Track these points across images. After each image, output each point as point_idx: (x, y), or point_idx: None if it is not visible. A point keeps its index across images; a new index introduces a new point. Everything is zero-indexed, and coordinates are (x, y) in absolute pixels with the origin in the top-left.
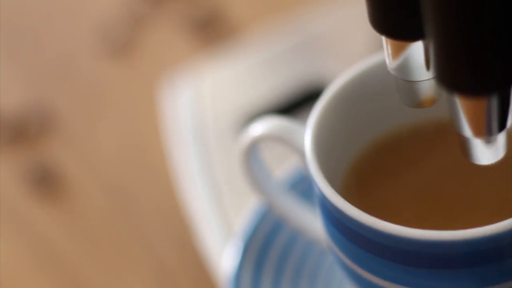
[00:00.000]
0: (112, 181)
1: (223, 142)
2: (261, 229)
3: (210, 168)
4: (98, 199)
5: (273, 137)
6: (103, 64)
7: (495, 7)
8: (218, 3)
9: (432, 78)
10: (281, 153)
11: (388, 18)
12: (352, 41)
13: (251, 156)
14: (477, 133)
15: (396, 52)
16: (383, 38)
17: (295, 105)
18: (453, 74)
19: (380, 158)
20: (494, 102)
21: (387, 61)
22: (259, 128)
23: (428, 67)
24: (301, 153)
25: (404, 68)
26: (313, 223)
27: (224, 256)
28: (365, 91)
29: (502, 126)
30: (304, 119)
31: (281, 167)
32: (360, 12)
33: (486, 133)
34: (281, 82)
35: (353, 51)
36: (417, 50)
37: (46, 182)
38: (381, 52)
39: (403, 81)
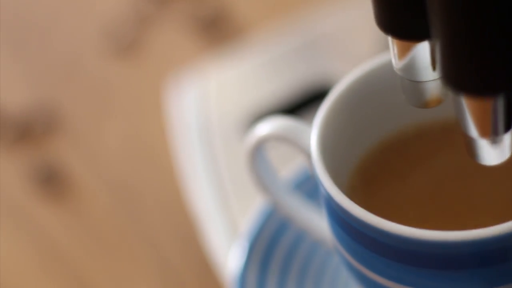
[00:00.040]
0: (117, 181)
1: (229, 142)
2: (267, 229)
3: (215, 168)
4: (103, 198)
5: (279, 137)
6: (108, 64)
7: (501, 7)
8: (224, 4)
9: (438, 78)
10: (286, 153)
11: (394, 18)
12: (357, 41)
13: (257, 156)
14: (483, 133)
15: (402, 52)
16: (389, 38)
17: (300, 105)
18: (459, 74)
19: (386, 158)
20: (500, 103)
21: (393, 61)
22: (265, 128)
23: (434, 67)
24: (307, 153)
25: (410, 68)
26: (318, 223)
27: (230, 256)
28: (371, 91)
29: (508, 126)
30: (309, 120)
31: (286, 167)
32: (366, 12)
33: (492, 133)
34: (286, 83)
35: (359, 51)
36: (423, 50)
37: (51, 182)
38: (387, 52)
39: (409, 81)
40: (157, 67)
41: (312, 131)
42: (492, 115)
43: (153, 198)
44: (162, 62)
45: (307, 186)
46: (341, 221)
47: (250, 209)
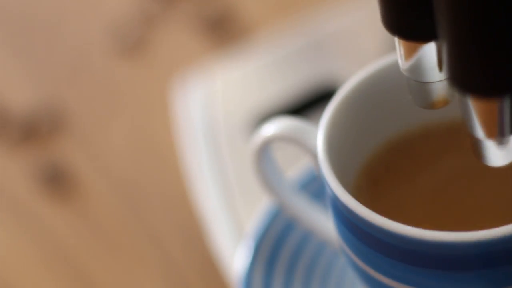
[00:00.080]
0: (123, 180)
1: (234, 142)
2: (273, 229)
3: (221, 168)
4: (109, 198)
5: (286, 138)
6: (114, 63)
7: (508, 8)
8: (230, 4)
9: (444, 79)
10: (292, 154)
11: (401, 19)
12: (364, 42)
13: (263, 156)
14: (489, 134)
15: (409, 53)
16: (396, 38)
17: (306, 105)
18: (466, 75)
19: (392, 159)
20: (507, 104)
21: (400, 62)
22: (271, 128)
23: (440, 68)
24: (313, 154)
25: (417, 69)
26: (324, 224)
27: (235, 256)
28: (377, 92)
29: None
30: (314, 120)
31: (292, 168)
32: (372, 13)
33: (498, 134)
34: (292, 83)
35: (365, 52)
36: (429, 51)
37: (57, 181)
38: (393, 52)
39: (416, 82)
40: (162, 67)
41: (319, 132)
42: (499, 116)
43: (159, 198)
44: (168, 62)
45: (313, 187)
46: (346, 221)
47: (256, 209)
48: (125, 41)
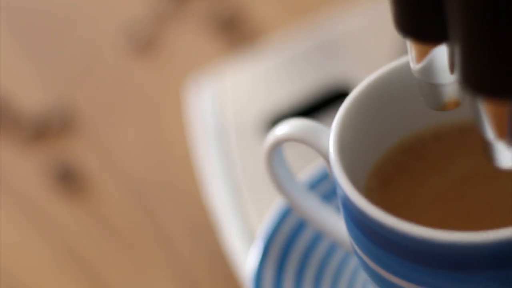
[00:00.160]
0: (134, 180)
1: (246, 142)
2: (283, 230)
3: (232, 168)
4: (120, 197)
5: (298, 138)
6: (126, 63)
7: None
8: (241, 5)
9: (456, 81)
10: (303, 154)
11: (412, 21)
12: (375, 43)
13: (275, 156)
14: (501, 136)
15: (420, 55)
16: (407, 41)
17: (317, 107)
18: (477, 77)
19: (403, 161)
20: None
21: (411, 64)
22: (283, 128)
23: (452, 70)
24: (325, 155)
25: (428, 71)
26: (335, 224)
27: (246, 256)
28: (389, 94)
29: None
30: (325, 121)
31: (303, 168)
32: (383, 15)
33: (510, 136)
34: (303, 84)
35: (376, 53)
36: (441, 53)
37: (68, 180)
38: (405, 54)
39: (427, 84)
40: (174, 67)
41: (331, 133)
42: (510, 118)
43: (169, 198)
44: (179, 62)
45: (324, 187)
46: (358, 222)
47: (267, 209)
48: (136, 41)
